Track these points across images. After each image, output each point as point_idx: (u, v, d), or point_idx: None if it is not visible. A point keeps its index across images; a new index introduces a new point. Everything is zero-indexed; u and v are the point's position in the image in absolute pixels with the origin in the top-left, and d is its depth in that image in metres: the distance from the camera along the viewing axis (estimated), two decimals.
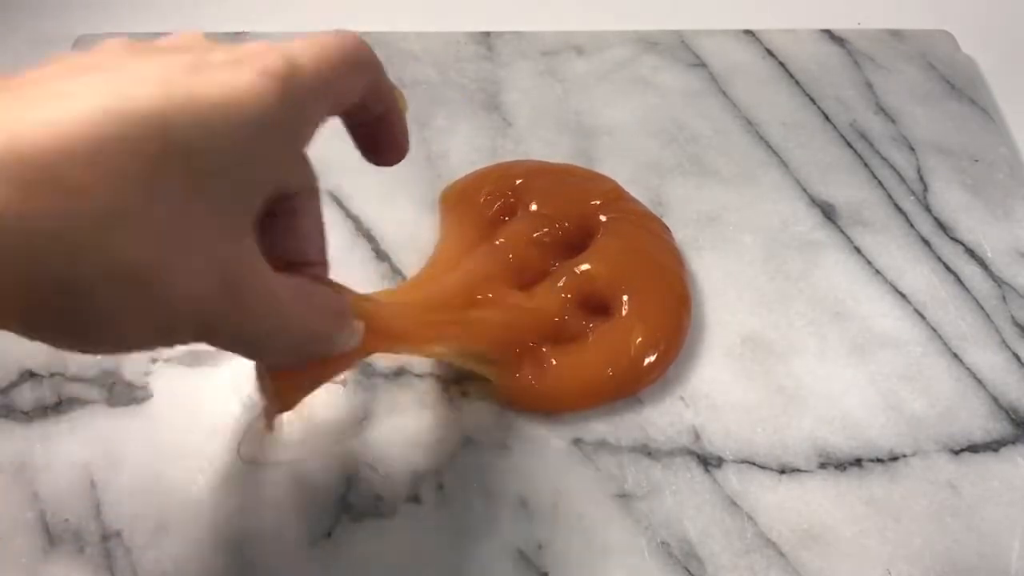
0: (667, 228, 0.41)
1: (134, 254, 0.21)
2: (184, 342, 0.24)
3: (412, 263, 0.40)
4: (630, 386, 0.36)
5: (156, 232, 0.21)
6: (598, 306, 0.37)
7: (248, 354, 0.26)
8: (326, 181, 0.43)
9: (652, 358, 0.36)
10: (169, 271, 0.22)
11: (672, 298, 0.38)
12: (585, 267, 0.38)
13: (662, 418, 0.36)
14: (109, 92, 0.21)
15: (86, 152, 0.20)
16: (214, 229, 0.22)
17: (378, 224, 0.42)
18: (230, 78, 0.22)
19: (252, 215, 0.24)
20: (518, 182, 0.41)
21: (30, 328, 0.22)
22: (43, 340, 0.22)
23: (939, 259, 0.41)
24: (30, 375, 0.37)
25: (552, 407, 0.36)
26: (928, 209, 0.43)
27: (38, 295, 0.21)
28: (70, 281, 0.20)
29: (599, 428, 0.35)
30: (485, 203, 0.41)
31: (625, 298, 0.37)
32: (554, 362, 0.36)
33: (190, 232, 0.22)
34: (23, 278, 0.20)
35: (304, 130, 0.26)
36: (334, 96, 0.27)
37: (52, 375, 0.37)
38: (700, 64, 0.49)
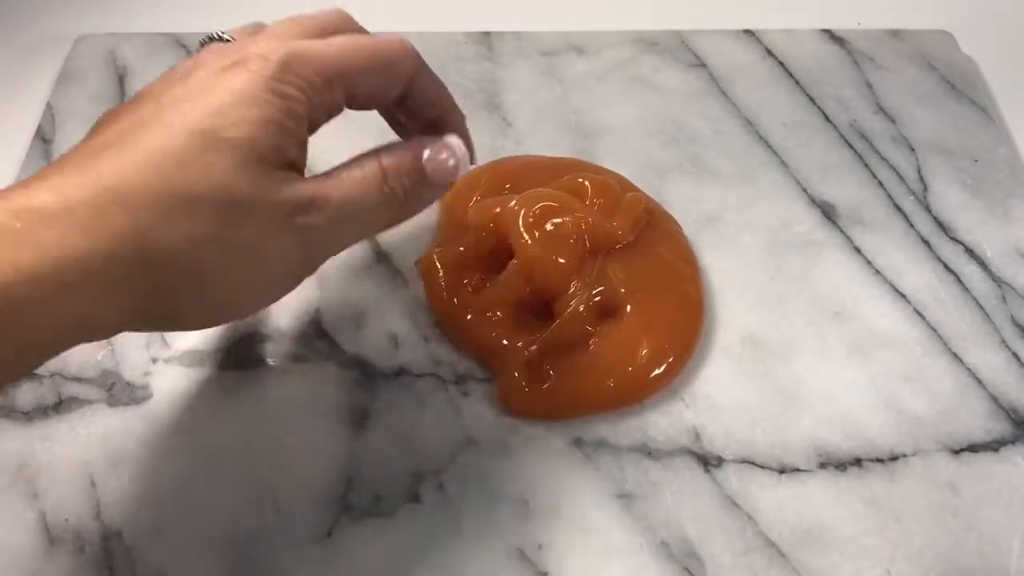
0: (677, 223, 0.41)
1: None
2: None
3: (412, 263, 0.40)
4: (632, 396, 0.36)
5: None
6: (606, 309, 0.37)
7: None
8: None
9: (659, 370, 0.36)
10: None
11: (684, 308, 0.38)
12: (603, 282, 0.37)
13: (662, 418, 0.36)
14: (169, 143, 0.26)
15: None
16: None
17: None
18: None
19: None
20: (506, 185, 0.41)
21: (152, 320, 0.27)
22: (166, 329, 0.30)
23: (939, 259, 0.41)
24: (30, 375, 0.37)
25: (551, 415, 0.36)
26: (928, 209, 0.43)
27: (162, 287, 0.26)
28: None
29: (599, 428, 0.35)
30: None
31: (630, 307, 0.37)
32: (551, 372, 0.36)
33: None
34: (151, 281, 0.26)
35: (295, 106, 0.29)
36: (345, 85, 0.30)
37: (52, 375, 0.37)
38: (700, 64, 0.49)
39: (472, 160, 0.33)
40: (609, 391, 0.35)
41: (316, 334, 0.38)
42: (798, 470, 0.34)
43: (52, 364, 0.37)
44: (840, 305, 0.39)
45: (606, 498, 0.34)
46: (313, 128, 0.30)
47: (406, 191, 0.30)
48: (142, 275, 0.25)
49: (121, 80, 0.48)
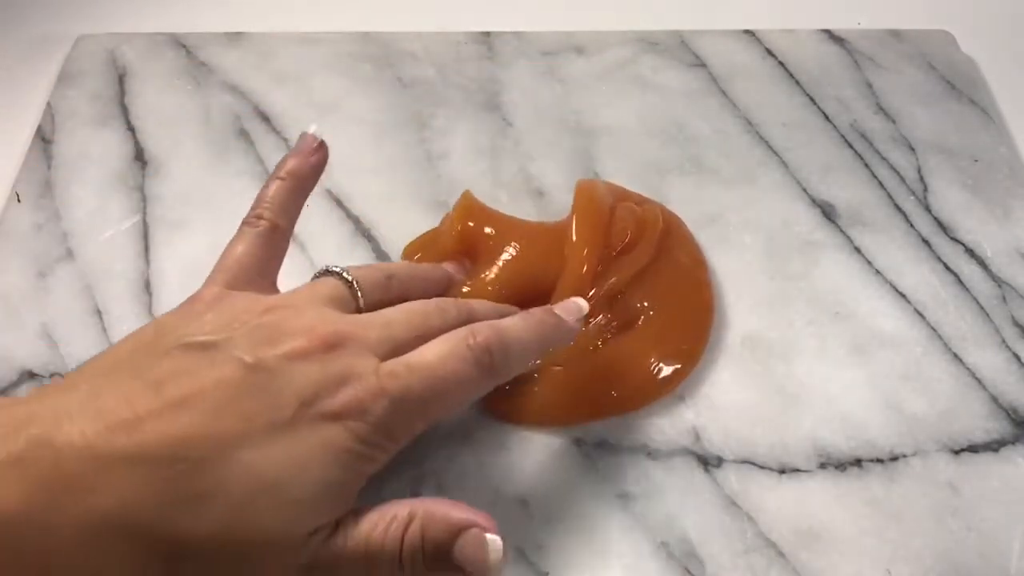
0: (684, 223, 0.41)
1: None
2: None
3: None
4: (636, 405, 0.36)
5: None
6: (622, 325, 0.37)
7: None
8: (327, 181, 0.43)
9: (666, 377, 0.36)
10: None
11: (697, 315, 0.38)
12: (622, 299, 0.37)
13: (662, 418, 0.36)
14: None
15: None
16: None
17: (378, 224, 0.42)
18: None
19: None
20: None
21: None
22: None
23: (939, 259, 0.41)
24: (30, 375, 0.37)
25: (547, 423, 0.36)
26: (928, 209, 0.43)
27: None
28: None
29: (599, 428, 0.35)
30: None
31: (643, 319, 0.37)
32: (559, 370, 0.36)
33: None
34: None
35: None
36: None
37: (52, 375, 0.37)
38: (700, 64, 0.49)
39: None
40: (612, 400, 0.36)
41: None
42: (798, 470, 0.34)
43: (52, 364, 0.37)
44: (840, 305, 0.39)
45: (606, 498, 0.34)
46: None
47: (417, 567, 0.27)
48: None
49: (121, 80, 0.48)
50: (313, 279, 0.32)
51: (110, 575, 0.24)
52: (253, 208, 0.32)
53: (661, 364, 0.36)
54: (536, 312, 0.32)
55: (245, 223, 0.32)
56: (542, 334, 0.31)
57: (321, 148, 0.34)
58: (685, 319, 0.37)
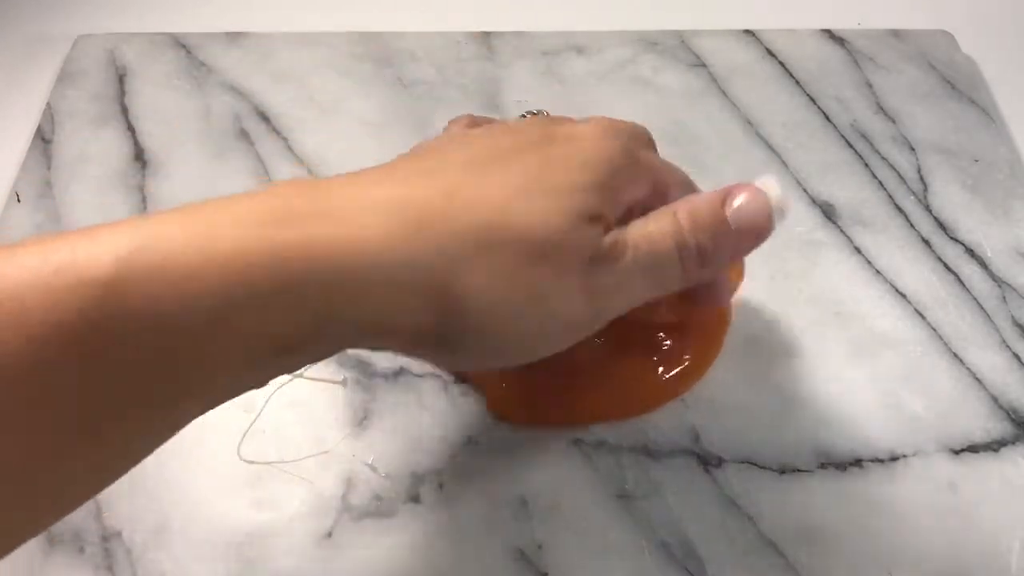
0: None
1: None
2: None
3: None
4: (645, 410, 0.36)
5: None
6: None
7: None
8: None
9: (671, 379, 0.36)
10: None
11: (716, 322, 0.37)
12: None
13: (662, 418, 0.36)
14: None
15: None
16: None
17: None
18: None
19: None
20: None
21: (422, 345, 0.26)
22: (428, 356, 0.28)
23: (939, 259, 0.41)
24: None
25: (549, 423, 0.36)
26: (928, 209, 0.43)
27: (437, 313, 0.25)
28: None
29: (599, 428, 0.35)
30: None
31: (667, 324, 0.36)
32: (550, 382, 0.35)
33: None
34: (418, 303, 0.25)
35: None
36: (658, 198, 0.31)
37: None
38: (700, 64, 0.49)
39: (786, 209, 0.29)
40: (616, 406, 0.35)
41: None
42: (798, 470, 0.34)
43: None
44: (840, 305, 0.39)
45: (606, 498, 0.34)
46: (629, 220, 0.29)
47: (703, 247, 0.28)
48: (435, 300, 0.25)
49: (121, 80, 0.48)
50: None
51: (397, 271, 0.24)
52: None
53: (670, 370, 0.36)
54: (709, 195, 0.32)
55: None
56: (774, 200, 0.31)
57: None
58: (705, 325, 0.37)
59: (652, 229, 0.28)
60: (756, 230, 0.29)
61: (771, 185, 0.29)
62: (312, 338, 0.24)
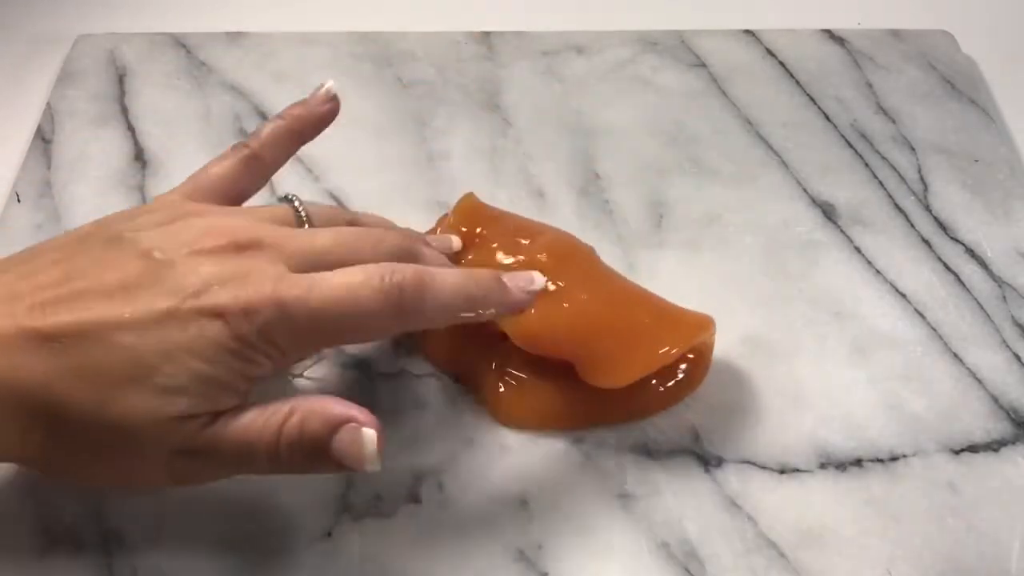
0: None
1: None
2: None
3: None
4: (637, 416, 0.36)
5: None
6: None
7: None
8: (326, 181, 0.43)
9: (670, 386, 0.35)
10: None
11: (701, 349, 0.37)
12: None
13: (662, 418, 0.36)
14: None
15: None
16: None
17: None
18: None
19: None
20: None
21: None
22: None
23: (939, 259, 0.41)
24: None
25: (548, 428, 0.36)
26: (928, 209, 0.43)
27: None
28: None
29: (599, 428, 0.35)
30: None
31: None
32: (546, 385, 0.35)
33: None
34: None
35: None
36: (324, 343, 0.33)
37: None
38: (700, 64, 0.49)
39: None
40: (615, 410, 0.35)
41: None
42: (798, 470, 0.34)
43: None
44: (840, 305, 0.39)
45: (606, 498, 0.34)
46: (269, 376, 0.29)
47: (295, 460, 0.28)
48: (37, 449, 0.28)
49: (121, 80, 0.48)
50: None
51: None
52: (244, 139, 0.33)
53: (665, 382, 0.35)
54: (481, 272, 0.31)
55: (230, 148, 0.33)
56: (472, 293, 0.30)
57: (332, 101, 0.34)
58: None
59: (252, 432, 0.28)
60: (349, 467, 0.28)
61: (370, 436, 0.28)
62: None
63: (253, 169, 0.33)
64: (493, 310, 0.31)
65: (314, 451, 0.27)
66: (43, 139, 0.45)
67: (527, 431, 0.35)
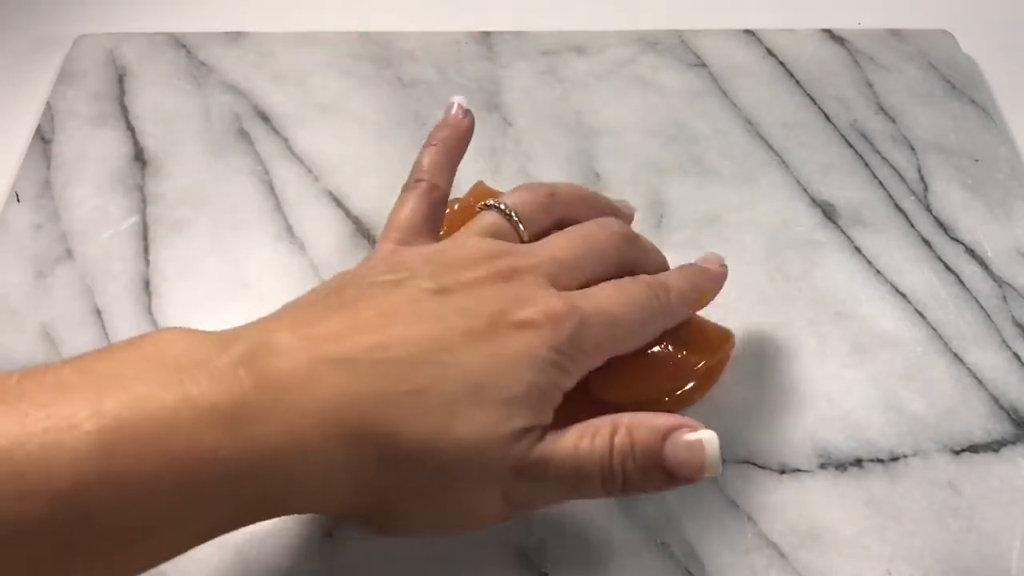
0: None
1: None
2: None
3: None
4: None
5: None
6: None
7: None
8: (326, 181, 0.43)
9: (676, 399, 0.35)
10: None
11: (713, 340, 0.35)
12: None
13: None
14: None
15: None
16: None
17: (378, 224, 0.42)
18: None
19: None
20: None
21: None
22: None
23: (939, 259, 0.41)
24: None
25: None
26: (928, 209, 0.43)
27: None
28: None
29: None
30: None
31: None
32: None
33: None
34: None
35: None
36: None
37: None
38: (700, 64, 0.49)
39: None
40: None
41: None
42: (798, 470, 0.34)
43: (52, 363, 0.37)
44: (840, 305, 0.39)
45: (606, 498, 0.34)
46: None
47: (628, 480, 0.27)
48: (369, 498, 0.27)
49: (120, 80, 0.48)
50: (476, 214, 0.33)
51: (328, 470, 0.25)
52: (411, 175, 0.35)
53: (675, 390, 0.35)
54: (688, 265, 0.34)
55: (405, 188, 0.34)
56: (699, 283, 0.34)
57: (468, 116, 0.36)
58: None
59: (583, 447, 0.27)
60: (684, 478, 0.27)
61: (708, 440, 0.27)
62: (250, 517, 0.26)
63: (435, 197, 0.34)
64: (712, 294, 0.34)
65: (647, 463, 0.27)
66: (43, 139, 0.45)
67: None
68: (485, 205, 0.33)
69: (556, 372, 0.28)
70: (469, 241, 0.31)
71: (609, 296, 0.30)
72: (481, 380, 0.26)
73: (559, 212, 0.34)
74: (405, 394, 0.26)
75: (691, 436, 0.27)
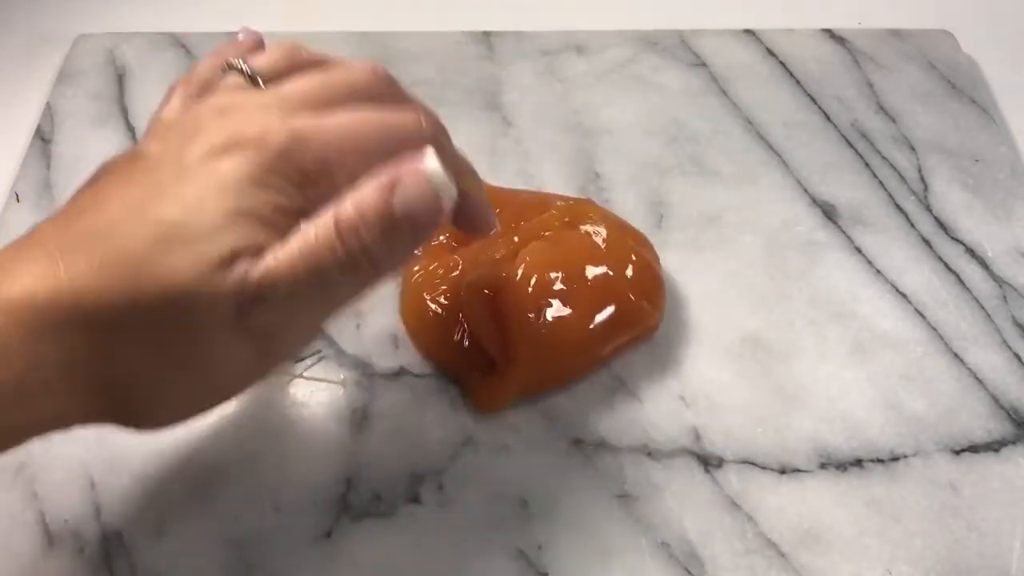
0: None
1: None
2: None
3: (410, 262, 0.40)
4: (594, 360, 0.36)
5: None
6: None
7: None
8: None
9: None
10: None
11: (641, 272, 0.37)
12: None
13: (662, 418, 0.36)
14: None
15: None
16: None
17: None
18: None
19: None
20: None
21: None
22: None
23: (939, 259, 0.41)
24: None
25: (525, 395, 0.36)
26: (928, 209, 0.43)
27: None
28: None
29: (599, 428, 0.35)
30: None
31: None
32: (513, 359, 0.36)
33: None
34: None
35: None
36: (347, 172, 0.27)
37: None
38: (700, 64, 0.49)
39: (489, 221, 0.28)
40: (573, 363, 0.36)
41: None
42: (798, 470, 0.34)
43: None
44: (840, 305, 0.39)
45: (606, 498, 0.34)
46: (308, 213, 0.26)
47: (367, 246, 0.25)
48: (97, 388, 0.24)
49: (120, 80, 0.48)
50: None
51: (30, 369, 0.23)
52: None
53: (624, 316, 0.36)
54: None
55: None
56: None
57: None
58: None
59: (308, 242, 0.25)
60: (425, 222, 0.26)
61: (433, 170, 0.25)
62: None
63: None
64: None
65: (384, 225, 0.25)
66: (43, 139, 0.45)
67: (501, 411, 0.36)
68: (227, 65, 0.30)
69: (266, 192, 0.25)
70: (203, 104, 0.28)
71: (349, 116, 0.27)
72: (179, 220, 0.24)
73: (303, 59, 0.30)
74: (101, 263, 0.24)
75: (410, 174, 0.25)
